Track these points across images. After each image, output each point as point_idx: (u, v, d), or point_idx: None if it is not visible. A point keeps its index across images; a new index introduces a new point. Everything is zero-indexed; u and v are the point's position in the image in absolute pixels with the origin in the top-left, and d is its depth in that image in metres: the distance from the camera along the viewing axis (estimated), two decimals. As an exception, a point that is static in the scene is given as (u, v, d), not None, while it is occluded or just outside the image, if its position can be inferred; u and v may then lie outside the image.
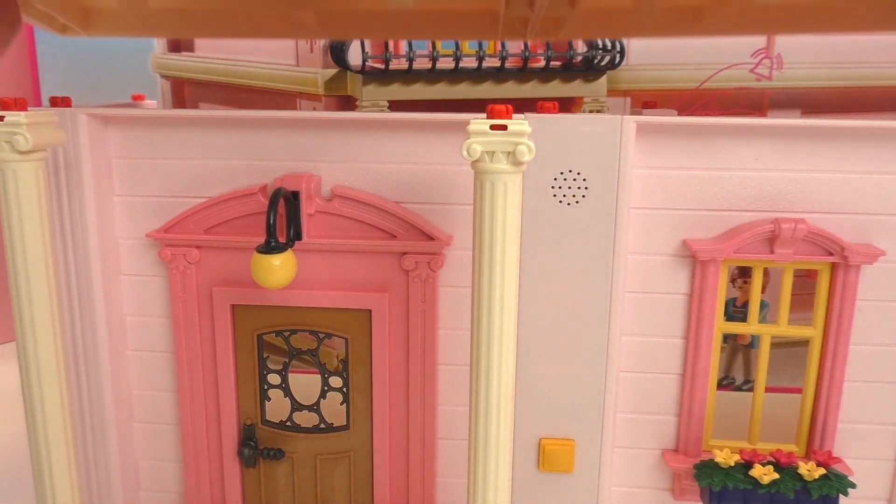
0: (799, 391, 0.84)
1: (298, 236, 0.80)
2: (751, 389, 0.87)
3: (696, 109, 0.88)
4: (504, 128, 0.61)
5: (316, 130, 0.80)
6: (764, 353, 0.84)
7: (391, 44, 1.05)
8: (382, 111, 0.80)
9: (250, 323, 0.85)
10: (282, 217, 0.78)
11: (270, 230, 0.74)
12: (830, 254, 0.78)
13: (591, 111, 0.78)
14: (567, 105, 0.76)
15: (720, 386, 0.86)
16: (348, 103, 0.84)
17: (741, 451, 0.82)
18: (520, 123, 0.61)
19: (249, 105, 0.81)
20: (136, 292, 0.87)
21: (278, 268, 0.73)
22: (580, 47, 1.07)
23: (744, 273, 1.08)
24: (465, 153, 0.62)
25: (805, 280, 0.86)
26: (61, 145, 0.72)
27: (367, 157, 0.80)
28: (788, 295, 0.82)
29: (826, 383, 0.82)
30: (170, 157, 0.82)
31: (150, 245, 0.84)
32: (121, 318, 0.87)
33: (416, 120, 0.79)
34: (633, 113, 0.82)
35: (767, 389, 0.85)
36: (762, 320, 0.91)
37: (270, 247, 0.73)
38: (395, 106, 0.80)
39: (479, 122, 0.62)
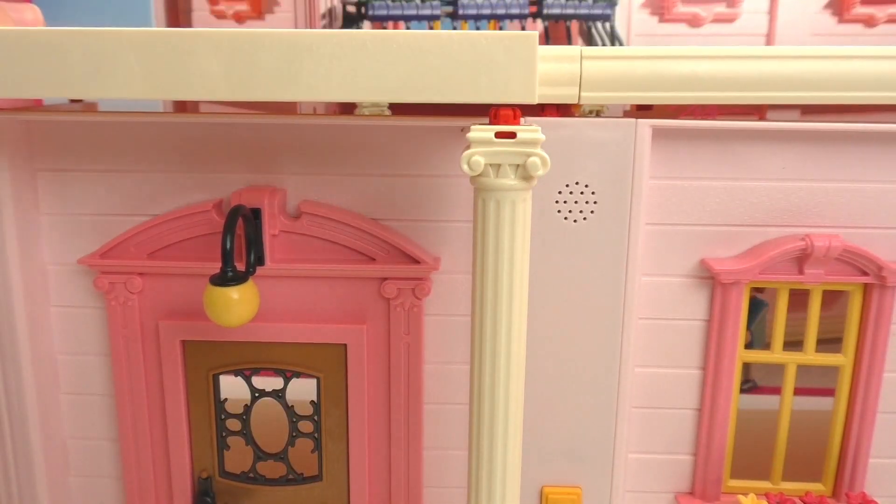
0: (824, 393, 0.77)
1: (260, 261, 0.70)
2: (750, 390, 0.82)
3: (695, 110, 0.80)
4: (512, 135, 0.51)
5: (280, 136, 0.71)
6: (789, 384, 0.76)
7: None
8: (382, 112, 0.70)
9: (204, 361, 0.75)
10: (240, 239, 0.69)
11: (227, 257, 0.63)
12: (865, 273, 0.71)
13: (589, 112, 0.70)
14: (565, 105, 0.67)
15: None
16: (349, 105, 0.76)
17: (767, 495, 0.74)
18: (531, 130, 0.51)
19: (205, 106, 0.72)
20: (69, 327, 0.77)
21: (237, 302, 0.63)
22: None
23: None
24: (465, 166, 0.52)
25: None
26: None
27: (339, 167, 0.71)
28: (816, 319, 0.74)
29: (857, 416, 0.75)
30: (107, 169, 0.73)
31: (83, 272, 0.75)
32: (51, 356, 0.77)
33: (400, 125, 0.69)
34: (632, 113, 0.74)
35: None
36: (760, 321, 0.84)
37: (227, 277, 0.63)
38: (396, 108, 0.72)
39: (482, 129, 0.52)
